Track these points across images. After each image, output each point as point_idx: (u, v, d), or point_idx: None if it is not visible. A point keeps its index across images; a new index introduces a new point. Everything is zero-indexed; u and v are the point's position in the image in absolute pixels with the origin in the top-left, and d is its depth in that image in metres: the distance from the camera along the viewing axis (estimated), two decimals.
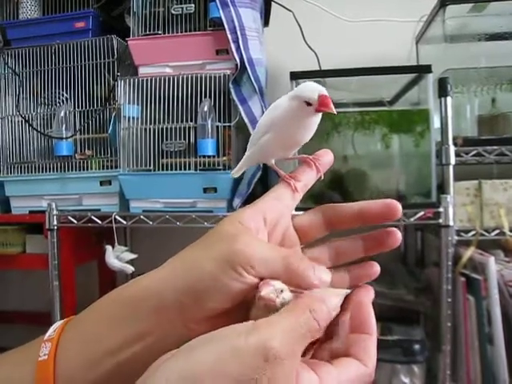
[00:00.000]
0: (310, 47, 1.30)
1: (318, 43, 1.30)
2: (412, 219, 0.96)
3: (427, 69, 1.00)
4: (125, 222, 1.04)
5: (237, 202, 1.02)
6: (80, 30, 1.11)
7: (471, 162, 1.03)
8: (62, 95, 1.14)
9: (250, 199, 1.01)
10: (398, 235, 0.33)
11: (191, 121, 1.04)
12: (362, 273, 0.33)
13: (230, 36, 0.99)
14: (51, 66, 1.13)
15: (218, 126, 1.02)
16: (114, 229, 1.02)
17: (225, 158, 1.02)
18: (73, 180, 1.11)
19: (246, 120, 0.99)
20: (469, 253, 0.96)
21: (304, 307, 0.26)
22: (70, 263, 1.12)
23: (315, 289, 0.29)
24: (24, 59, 1.15)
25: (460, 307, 0.96)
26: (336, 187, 1.01)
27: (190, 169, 1.03)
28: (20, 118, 1.14)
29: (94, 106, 1.11)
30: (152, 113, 1.07)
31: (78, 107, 1.12)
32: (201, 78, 1.02)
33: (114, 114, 1.08)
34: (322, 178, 0.36)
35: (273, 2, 1.22)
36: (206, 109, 1.01)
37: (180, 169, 1.03)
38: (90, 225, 1.04)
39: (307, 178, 0.35)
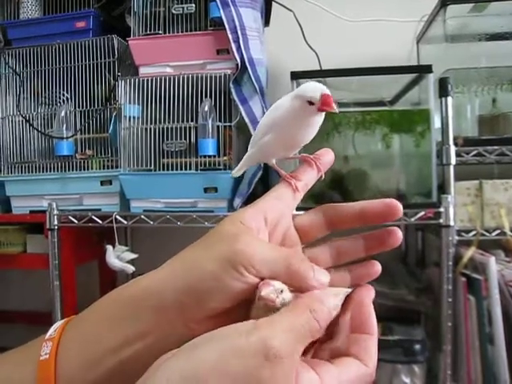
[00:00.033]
0: (310, 47, 1.30)
1: (319, 43, 1.30)
2: (413, 219, 0.96)
3: (428, 69, 1.00)
4: (125, 222, 1.04)
5: (237, 201, 1.02)
6: (81, 29, 1.11)
7: (472, 161, 1.03)
8: (63, 95, 1.14)
9: (250, 199, 1.01)
10: (399, 234, 0.33)
11: (192, 121, 1.04)
12: (363, 272, 0.33)
13: (230, 36, 0.99)
14: (52, 65, 1.13)
15: (218, 126, 1.02)
16: (115, 229, 1.02)
17: (225, 158, 1.02)
18: (73, 180, 1.11)
19: (246, 120, 0.99)
20: (469, 253, 0.95)
21: (304, 307, 0.26)
22: (70, 263, 1.12)
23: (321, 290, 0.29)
24: (25, 59, 1.15)
25: (461, 307, 0.96)
26: (337, 187, 1.01)
27: (190, 169, 1.03)
28: (21, 118, 1.14)
29: (94, 106, 1.11)
30: (153, 113, 1.07)
31: (79, 107, 1.12)
32: (201, 77, 1.02)
33: (114, 113, 1.08)
34: (323, 177, 0.36)
35: (273, 2, 1.22)
36: (206, 109, 1.01)
37: (181, 169, 1.04)
38: (90, 225, 1.04)
39: (308, 178, 0.35)
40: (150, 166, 1.06)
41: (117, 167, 1.07)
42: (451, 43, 1.08)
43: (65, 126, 1.10)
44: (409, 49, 1.35)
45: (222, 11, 0.99)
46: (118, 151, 1.07)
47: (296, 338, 0.24)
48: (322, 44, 1.30)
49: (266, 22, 1.22)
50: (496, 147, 0.99)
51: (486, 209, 0.99)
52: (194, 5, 1.03)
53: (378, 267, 0.33)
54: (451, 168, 0.97)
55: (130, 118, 1.06)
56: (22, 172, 1.14)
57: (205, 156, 1.02)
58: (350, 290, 0.31)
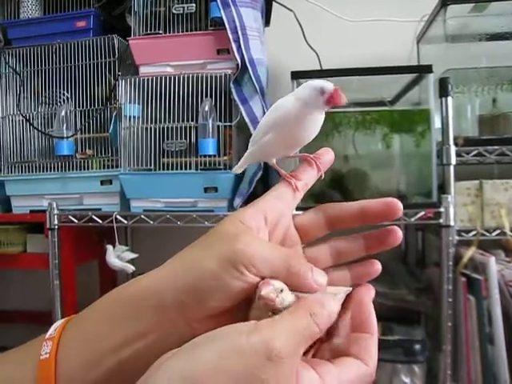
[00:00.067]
0: (310, 47, 1.30)
1: (319, 43, 1.30)
2: (413, 219, 0.96)
3: (428, 69, 1.00)
4: (125, 222, 1.04)
5: (238, 201, 1.02)
6: (81, 29, 1.11)
7: (472, 161, 1.03)
8: (63, 94, 1.14)
9: (250, 198, 1.01)
10: (399, 233, 0.33)
11: (192, 120, 1.04)
12: (362, 271, 0.33)
13: (230, 36, 0.99)
14: (52, 65, 1.13)
15: (218, 126, 1.02)
16: (115, 228, 1.02)
17: (226, 158, 1.02)
18: (73, 179, 1.11)
19: (246, 120, 0.99)
20: (469, 253, 0.95)
21: (305, 310, 0.26)
22: (70, 262, 1.12)
23: (320, 290, 0.29)
24: (25, 58, 1.15)
25: (461, 307, 0.96)
26: (337, 187, 1.01)
27: (190, 168, 1.03)
28: (21, 118, 1.14)
29: (94, 106, 1.11)
30: (153, 112, 1.07)
31: (79, 106, 1.12)
32: (202, 77, 1.02)
33: (114, 113, 1.08)
34: (323, 176, 0.36)
35: (274, 2, 1.22)
36: (206, 108, 1.01)
37: (181, 168, 1.04)
38: (90, 224, 1.04)
39: (308, 177, 0.35)
40: (150, 165, 1.06)
41: (117, 167, 1.07)
42: (451, 43, 1.08)
43: (65, 125, 1.10)
44: (409, 49, 1.34)
45: (222, 11, 0.99)
46: (118, 151, 1.07)
47: (297, 341, 0.24)
48: (323, 44, 1.30)
49: (267, 22, 1.22)
50: (496, 147, 0.99)
51: (486, 209, 0.99)
52: (194, 4, 1.03)
53: (378, 266, 0.33)
54: (451, 168, 0.97)
55: (130, 117, 1.06)
56: (22, 171, 1.14)
57: (205, 156, 1.02)
58: (350, 289, 0.31)
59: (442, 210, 0.94)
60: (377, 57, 1.28)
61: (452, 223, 0.94)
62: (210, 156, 1.02)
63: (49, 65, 1.13)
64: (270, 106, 0.39)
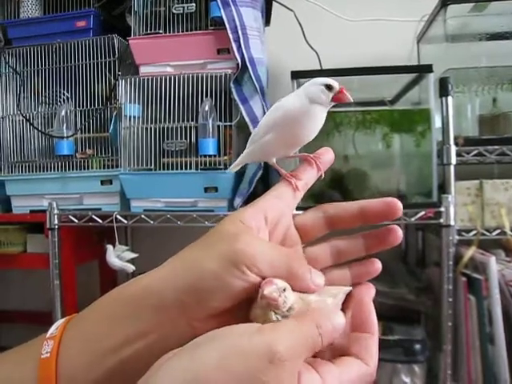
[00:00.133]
0: (311, 47, 1.30)
1: (319, 43, 1.30)
2: (413, 219, 0.96)
3: (428, 68, 1.00)
4: (126, 222, 1.04)
5: (238, 201, 1.02)
6: (81, 29, 1.11)
7: (472, 161, 1.03)
8: (63, 94, 1.14)
9: (251, 198, 1.01)
10: (399, 232, 0.33)
11: (192, 120, 1.04)
12: (363, 270, 0.33)
13: (231, 35, 0.99)
14: (52, 65, 1.13)
15: (219, 126, 1.02)
16: (115, 228, 1.02)
17: (226, 158, 1.02)
18: (74, 179, 1.11)
19: (247, 119, 0.99)
20: (470, 252, 0.95)
21: (312, 321, 0.26)
22: (70, 262, 1.12)
23: (317, 291, 0.29)
24: (25, 58, 1.15)
25: (461, 307, 0.96)
26: (337, 186, 1.01)
27: (190, 168, 1.03)
28: (21, 117, 1.14)
29: (94, 105, 1.11)
30: (153, 112, 1.07)
31: (79, 106, 1.12)
32: (202, 77, 1.02)
33: (114, 113, 1.08)
34: (323, 176, 0.36)
35: (274, 2, 1.22)
36: (207, 108, 1.01)
37: (181, 168, 1.03)
38: (90, 224, 1.04)
39: (308, 177, 0.35)
40: (151, 165, 1.06)
41: (117, 167, 1.07)
42: (451, 43, 1.08)
43: (65, 125, 1.10)
44: (409, 48, 1.34)
45: (222, 11, 0.99)
46: (118, 151, 1.07)
47: (300, 347, 0.25)
48: (323, 44, 1.30)
49: (267, 22, 1.22)
50: (496, 147, 0.99)
51: (486, 208, 0.99)
52: (194, 4, 1.03)
53: (378, 265, 0.33)
54: (451, 168, 0.97)
55: (130, 117, 1.06)
56: (22, 171, 1.14)
57: (205, 155, 1.02)
58: (350, 288, 0.31)
59: (442, 209, 0.94)
60: (377, 56, 1.28)
61: (452, 223, 0.94)
62: (210, 156, 1.02)
63: (49, 64, 1.13)
64: (270, 106, 0.40)
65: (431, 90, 0.99)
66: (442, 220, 0.94)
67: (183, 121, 1.04)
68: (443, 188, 0.97)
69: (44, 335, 0.31)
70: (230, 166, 1.03)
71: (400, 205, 0.32)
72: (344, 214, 0.34)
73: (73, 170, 1.11)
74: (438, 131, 1.00)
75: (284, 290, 0.28)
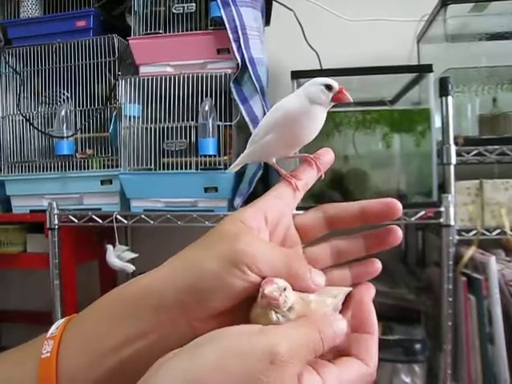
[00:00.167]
0: (311, 46, 1.30)
1: (319, 42, 1.30)
2: (413, 219, 0.96)
3: (428, 68, 1.00)
4: (126, 222, 1.04)
5: (238, 201, 1.02)
6: (81, 28, 1.11)
7: (472, 161, 1.03)
8: (63, 94, 1.14)
9: (251, 198, 1.01)
10: (399, 232, 0.33)
11: (192, 120, 1.04)
12: (363, 270, 0.34)
13: (231, 35, 0.99)
14: (52, 64, 1.13)
15: (218, 126, 1.02)
16: (115, 228, 1.02)
17: (226, 158, 1.02)
18: (73, 179, 1.11)
19: (247, 119, 0.99)
20: (470, 252, 0.95)
21: (314, 325, 0.26)
22: (70, 262, 1.12)
23: (318, 291, 0.29)
24: (25, 58, 1.15)
25: (461, 307, 0.96)
26: (337, 187, 1.01)
27: (190, 168, 1.03)
28: (21, 117, 1.14)
29: (94, 105, 1.11)
30: (153, 112, 1.07)
31: (79, 106, 1.12)
32: (202, 77, 1.02)
33: (114, 113, 1.08)
34: (323, 176, 0.36)
35: (274, 2, 1.22)
36: (206, 108, 1.01)
37: (181, 168, 1.03)
38: (90, 224, 1.04)
39: (308, 177, 0.35)
40: (151, 165, 1.06)
41: (117, 166, 1.07)
42: (451, 43, 1.08)
43: (65, 125, 1.10)
44: (409, 48, 1.34)
45: (222, 10, 0.99)
46: (118, 150, 1.07)
47: (301, 349, 0.25)
48: (323, 43, 1.30)
49: (267, 22, 1.22)
50: (496, 147, 0.99)
51: (486, 208, 0.99)
52: (194, 4, 1.03)
53: (378, 265, 0.34)
54: (451, 167, 0.97)
55: (130, 117, 1.06)
56: (22, 171, 1.14)
57: (205, 155, 1.02)
58: (350, 289, 0.31)
59: (442, 209, 0.94)
60: (377, 56, 1.28)
61: (452, 223, 0.94)
62: (210, 156, 1.02)
63: (49, 64, 1.13)
64: (270, 106, 0.40)
65: (431, 90, 0.99)
66: (441, 220, 0.94)
67: (183, 121, 1.04)
68: (443, 188, 0.97)
69: (44, 335, 0.31)
70: (229, 165, 1.03)
71: (400, 205, 0.32)
72: (344, 214, 0.34)
73: (73, 169, 1.11)
74: (437, 131, 1.00)
75: (284, 289, 0.28)
